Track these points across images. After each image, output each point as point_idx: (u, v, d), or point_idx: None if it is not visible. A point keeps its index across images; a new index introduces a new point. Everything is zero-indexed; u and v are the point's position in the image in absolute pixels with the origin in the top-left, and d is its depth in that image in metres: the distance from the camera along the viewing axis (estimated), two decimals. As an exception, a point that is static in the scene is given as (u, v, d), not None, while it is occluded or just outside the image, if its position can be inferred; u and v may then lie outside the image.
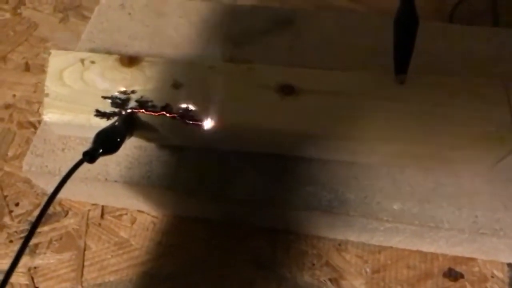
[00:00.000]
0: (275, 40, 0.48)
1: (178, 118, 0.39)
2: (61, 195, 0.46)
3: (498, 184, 0.39)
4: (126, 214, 0.45)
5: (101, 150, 0.34)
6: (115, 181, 0.40)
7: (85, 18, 0.58)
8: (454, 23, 0.56)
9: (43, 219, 0.44)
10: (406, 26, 0.39)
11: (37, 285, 0.42)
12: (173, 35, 0.49)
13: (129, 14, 0.51)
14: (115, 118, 0.39)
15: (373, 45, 0.46)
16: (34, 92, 0.53)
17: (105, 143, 0.35)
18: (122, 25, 0.50)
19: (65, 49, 0.45)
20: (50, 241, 0.44)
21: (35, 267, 0.43)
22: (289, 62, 0.46)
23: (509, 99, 0.39)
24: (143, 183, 0.40)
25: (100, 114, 0.39)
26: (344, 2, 0.60)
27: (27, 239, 0.29)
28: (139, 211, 0.45)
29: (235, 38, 0.48)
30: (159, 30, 0.49)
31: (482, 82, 0.40)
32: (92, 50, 0.47)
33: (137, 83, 0.40)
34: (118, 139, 0.36)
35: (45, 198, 0.44)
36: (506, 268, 0.42)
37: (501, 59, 0.45)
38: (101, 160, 0.41)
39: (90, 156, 0.33)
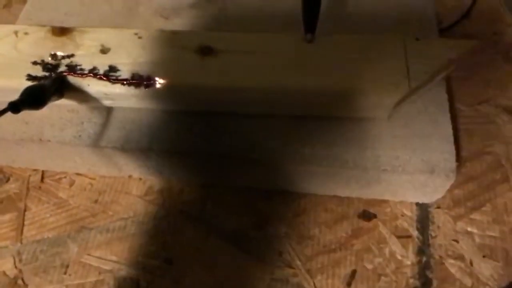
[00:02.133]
0: (202, 13, 0.52)
1: (104, 78, 0.42)
2: (2, 162, 0.48)
3: (397, 128, 0.43)
4: (65, 177, 0.48)
5: (26, 103, 0.37)
6: (49, 141, 0.43)
7: (28, 3, 0.60)
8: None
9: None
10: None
11: (-23, 245, 0.44)
12: (107, 11, 0.52)
13: (66, -7, 0.54)
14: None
15: (293, 13, 0.50)
16: (-22, 72, 0.56)
17: (31, 97, 0.38)
18: (59, 3, 0.53)
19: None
20: (-9, 205, 0.47)
21: (-25, 229, 0.45)
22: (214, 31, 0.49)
23: (406, 51, 0.43)
24: (74, 142, 0.43)
25: (31, 78, 0.42)
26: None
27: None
28: (77, 174, 0.48)
29: (165, 12, 0.52)
30: (93, 7, 0.53)
31: (382, 37, 0.44)
32: (29, 26, 0.50)
33: (68, 50, 0.44)
34: (44, 96, 0.39)
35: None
36: (414, 207, 0.46)
37: (404, 20, 0.50)
38: (36, 122, 0.44)
39: (14, 106, 0.36)
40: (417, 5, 0.52)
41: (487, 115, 0.51)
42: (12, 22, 0.59)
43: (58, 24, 0.50)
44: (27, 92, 0.38)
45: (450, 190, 0.45)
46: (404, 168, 0.41)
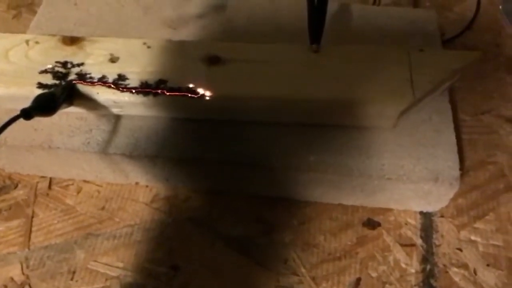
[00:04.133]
0: (209, 23, 0.53)
1: (113, 87, 0.43)
2: (10, 169, 0.49)
3: (402, 137, 0.44)
4: (72, 184, 0.49)
5: (37, 110, 0.37)
6: (58, 148, 0.44)
7: (37, 14, 0.61)
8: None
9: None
10: (316, 1, 0.44)
11: (-14, 250, 0.45)
12: (116, 21, 0.53)
13: (75, 4, 0.55)
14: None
15: (298, 24, 0.51)
16: (-13, 80, 0.56)
17: (42, 104, 0.38)
18: (68, 14, 0.54)
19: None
20: None
21: (-16, 234, 0.46)
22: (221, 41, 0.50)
23: (410, 62, 0.44)
24: (83, 149, 0.44)
25: (42, 86, 0.43)
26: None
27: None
28: (85, 181, 0.49)
29: (172, 22, 0.53)
30: (102, 18, 0.54)
31: (387, 48, 0.45)
32: (39, 36, 0.51)
33: (78, 59, 0.44)
34: (55, 103, 0.40)
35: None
36: (418, 216, 0.46)
37: (408, 32, 0.51)
38: (45, 129, 0.45)
39: (26, 113, 0.36)
40: (420, 17, 0.53)
41: (489, 125, 0.51)
42: (22, 32, 0.60)
43: (67, 34, 0.51)
44: (38, 99, 0.39)
45: (453, 199, 0.45)
46: (408, 176, 0.42)
